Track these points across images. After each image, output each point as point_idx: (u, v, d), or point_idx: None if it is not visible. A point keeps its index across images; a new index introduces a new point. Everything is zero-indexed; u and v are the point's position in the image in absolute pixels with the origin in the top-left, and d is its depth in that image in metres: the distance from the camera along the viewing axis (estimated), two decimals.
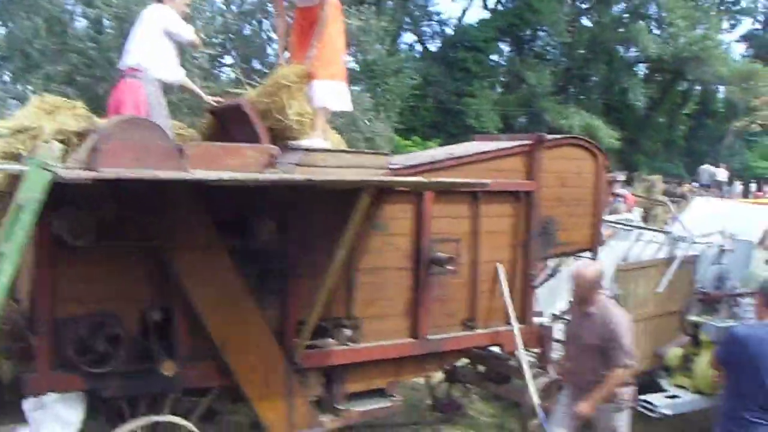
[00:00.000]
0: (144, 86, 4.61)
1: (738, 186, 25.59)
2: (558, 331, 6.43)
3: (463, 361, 6.50)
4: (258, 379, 4.52)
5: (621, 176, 22.44)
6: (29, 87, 10.87)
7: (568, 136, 6.25)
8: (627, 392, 4.62)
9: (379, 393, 5.15)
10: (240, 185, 3.74)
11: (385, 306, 5.12)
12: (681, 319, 6.21)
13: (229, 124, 5.13)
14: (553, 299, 7.31)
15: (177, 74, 5.02)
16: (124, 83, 4.65)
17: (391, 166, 5.04)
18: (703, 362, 6.02)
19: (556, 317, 7.01)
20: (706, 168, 24.97)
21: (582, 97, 32.00)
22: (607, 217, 8.13)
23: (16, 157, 4.93)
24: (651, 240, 7.77)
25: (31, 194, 3.29)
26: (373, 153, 5.03)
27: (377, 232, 5.04)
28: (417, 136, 28.38)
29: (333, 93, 4.98)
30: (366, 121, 21.71)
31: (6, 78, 12.95)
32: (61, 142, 5.00)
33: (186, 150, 4.31)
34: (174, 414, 4.42)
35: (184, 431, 4.32)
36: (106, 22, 11.41)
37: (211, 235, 4.29)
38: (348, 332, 4.94)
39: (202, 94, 5.31)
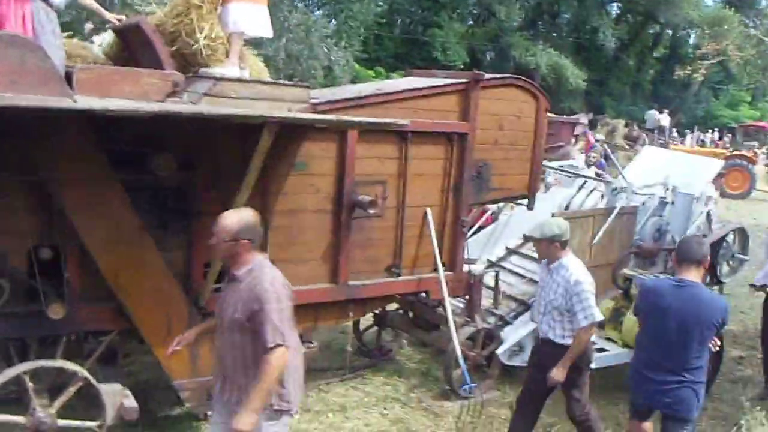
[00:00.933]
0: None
1: (690, 135, 25.78)
2: (492, 279, 6.35)
3: (394, 307, 6.42)
4: (158, 323, 4.30)
5: (584, 118, 22.39)
6: None
7: (507, 76, 5.95)
8: (282, 392, 3.25)
9: None
10: (120, 116, 3.39)
11: (302, 250, 4.90)
12: (612, 271, 6.14)
13: (133, 47, 4.72)
14: (490, 245, 7.21)
15: None
16: None
17: (312, 101, 4.73)
18: (633, 317, 6.02)
19: (492, 264, 6.94)
20: (653, 113, 25.06)
21: (552, 34, 31.55)
22: (548, 163, 7.98)
23: None
24: (594, 189, 7.66)
25: None
26: (292, 85, 4.69)
27: (296, 173, 4.77)
28: (381, 67, 27.76)
29: (249, 16, 4.56)
30: (326, 49, 21.00)
31: None
32: None
33: (74, 74, 3.95)
34: (71, 357, 4.21)
35: (77, 377, 4.12)
36: None
37: (102, 167, 3.96)
38: None
39: (103, 12, 4.84)
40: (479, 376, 5.72)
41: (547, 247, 4.31)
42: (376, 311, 6.34)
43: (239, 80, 4.42)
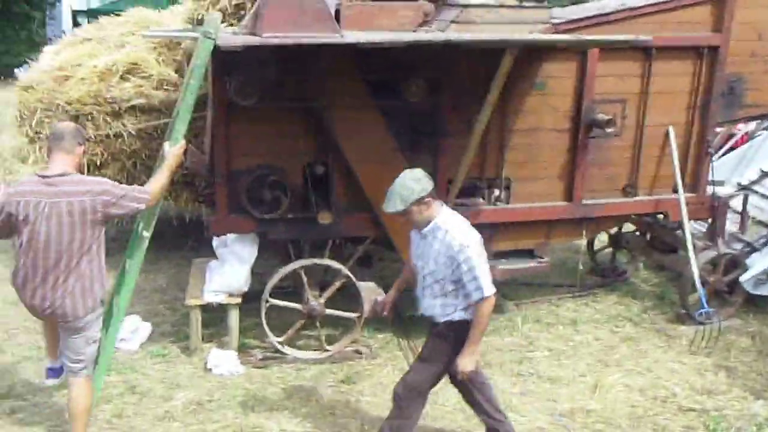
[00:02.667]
0: None
1: None
2: (743, 202, 6.27)
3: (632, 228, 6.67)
4: (405, 232, 5.09)
5: None
6: None
7: None
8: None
9: (527, 253, 5.55)
10: (374, 47, 4.05)
11: (539, 168, 5.38)
12: None
13: None
14: (742, 167, 7.02)
15: None
16: None
17: (553, 20, 5.07)
18: None
19: (743, 187, 6.79)
20: None
21: None
22: None
23: (199, 23, 5.66)
24: None
25: (198, 61, 3.93)
26: (533, 7, 5.04)
27: (536, 92, 5.20)
28: None
29: None
30: None
31: None
32: (239, 7, 5.64)
33: (342, 11, 4.73)
34: (335, 258, 5.20)
35: (341, 274, 5.10)
36: None
37: (362, 94, 4.76)
38: (498, 192, 5.31)
39: None
40: (719, 303, 5.85)
41: (419, 212, 3.58)
42: (612, 232, 6.67)
43: (483, 6, 4.90)
